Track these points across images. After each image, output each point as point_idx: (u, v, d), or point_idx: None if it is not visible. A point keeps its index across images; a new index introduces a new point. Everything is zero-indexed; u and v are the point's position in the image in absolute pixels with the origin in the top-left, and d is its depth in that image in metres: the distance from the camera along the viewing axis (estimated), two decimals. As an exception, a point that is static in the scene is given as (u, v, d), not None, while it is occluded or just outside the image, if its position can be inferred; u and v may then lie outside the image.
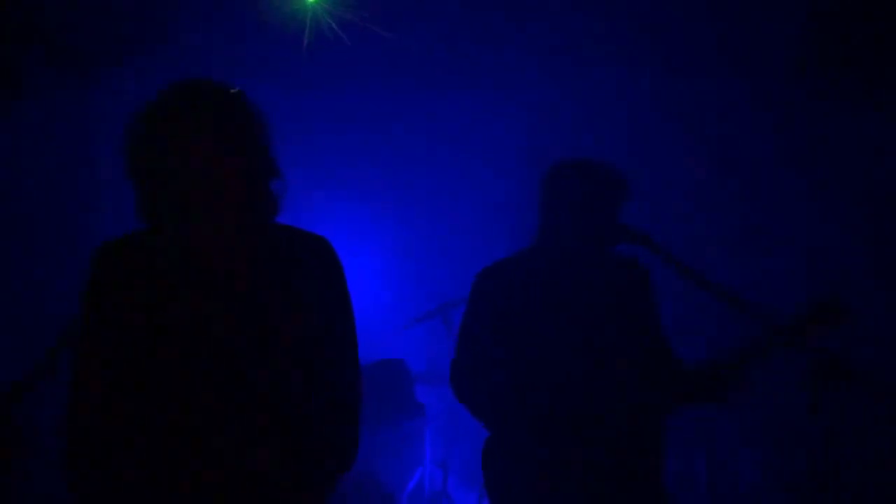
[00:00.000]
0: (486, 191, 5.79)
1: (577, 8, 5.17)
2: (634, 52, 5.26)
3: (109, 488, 1.93)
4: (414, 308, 5.26)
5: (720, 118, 5.24)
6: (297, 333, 2.02)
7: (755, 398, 4.58)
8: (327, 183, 5.65)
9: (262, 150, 2.03)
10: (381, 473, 5.05)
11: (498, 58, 5.49)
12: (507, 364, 3.03)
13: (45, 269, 4.70)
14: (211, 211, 1.97)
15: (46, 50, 4.70)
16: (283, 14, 5.14)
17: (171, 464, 1.94)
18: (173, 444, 1.94)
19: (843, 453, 4.51)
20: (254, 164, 2.01)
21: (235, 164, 1.97)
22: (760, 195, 5.25)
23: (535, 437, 2.94)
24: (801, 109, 5.06)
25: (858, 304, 4.40)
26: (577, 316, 3.03)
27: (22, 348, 3.64)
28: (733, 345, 3.01)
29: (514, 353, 3.02)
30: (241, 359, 1.97)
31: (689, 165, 5.22)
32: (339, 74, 5.53)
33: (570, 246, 3.09)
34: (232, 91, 2.02)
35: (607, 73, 5.32)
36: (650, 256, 3.08)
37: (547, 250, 3.12)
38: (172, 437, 1.94)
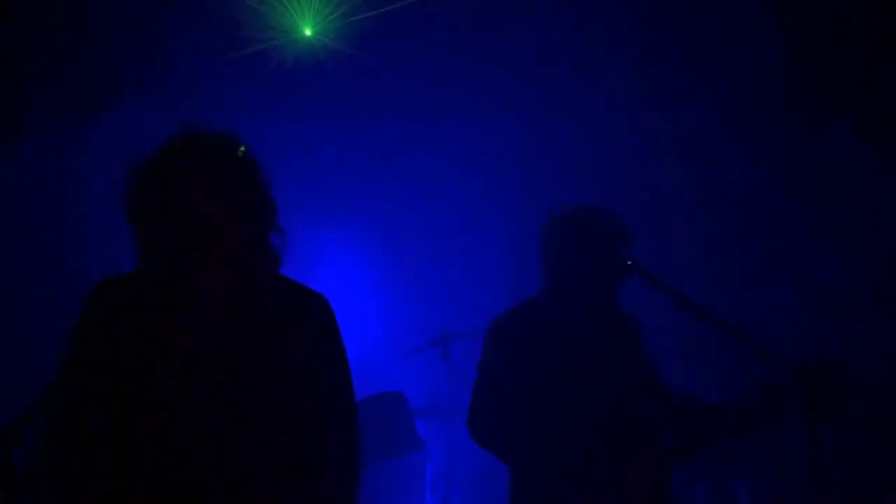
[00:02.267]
0: (487, 219, 5.78)
1: (571, 33, 5.18)
2: (631, 80, 5.27)
3: None
4: (413, 336, 5.24)
5: (717, 146, 5.24)
6: (285, 388, 1.99)
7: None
8: (327, 210, 5.65)
9: (262, 203, 2.04)
10: (381, 510, 4.99)
11: (495, 85, 5.50)
12: (527, 415, 3.04)
13: (39, 306, 4.68)
14: (206, 263, 1.97)
15: (43, 90, 4.71)
16: (282, 48, 5.16)
17: None
18: (159, 495, 1.91)
19: (842, 485, 4.49)
20: (252, 217, 2.01)
21: (234, 217, 1.98)
22: (758, 225, 5.24)
23: (559, 483, 2.96)
24: (797, 137, 5.06)
25: (856, 330, 4.40)
26: (591, 367, 3.05)
27: (20, 385, 3.61)
28: (733, 380, 3.00)
29: (532, 404, 3.04)
30: (226, 413, 1.94)
31: (685, 194, 5.22)
32: (338, 105, 5.55)
33: (576, 297, 3.11)
34: (235, 144, 2.02)
35: (606, 104, 5.33)
36: (649, 290, 3.08)
37: (554, 302, 3.15)
38: (158, 486, 1.91)
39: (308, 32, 5.24)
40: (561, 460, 2.97)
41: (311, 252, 5.47)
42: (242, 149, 2.03)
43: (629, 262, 3.05)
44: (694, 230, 5.24)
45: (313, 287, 2.16)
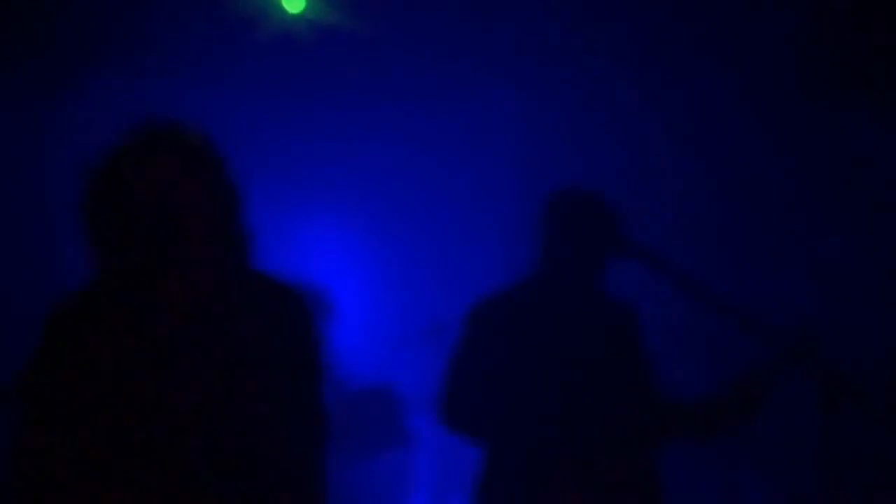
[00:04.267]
0: (482, 202, 5.68)
1: (572, 17, 5.08)
2: (633, 57, 5.14)
3: None
4: (406, 324, 5.14)
5: (719, 126, 5.16)
6: (256, 402, 1.86)
7: (762, 420, 4.51)
8: (315, 196, 5.53)
9: (230, 196, 1.89)
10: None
11: (487, 69, 5.39)
12: (502, 402, 2.95)
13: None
14: (175, 267, 1.83)
15: (8, 63, 4.55)
16: (262, 24, 5.01)
17: None
18: None
19: (855, 477, 4.42)
20: (224, 213, 1.87)
21: (206, 213, 1.83)
22: (759, 206, 5.17)
23: (533, 476, 2.86)
24: (803, 118, 4.99)
25: (861, 316, 4.33)
26: (575, 355, 2.96)
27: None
28: (733, 365, 2.94)
29: (509, 391, 2.94)
30: (196, 435, 1.81)
31: (686, 176, 5.14)
32: (323, 86, 5.42)
33: (568, 282, 3.04)
34: (198, 136, 1.88)
35: (605, 83, 5.22)
36: (648, 273, 2.98)
37: (543, 285, 3.07)
38: None
39: (296, 6, 5.08)
40: (536, 451, 2.87)
41: (298, 238, 5.38)
42: (204, 137, 1.87)
43: (626, 242, 2.96)
44: (699, 214, 5.15)
45: (302, 272, 2.02)
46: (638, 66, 5.14)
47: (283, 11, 5.03)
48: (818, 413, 2.76)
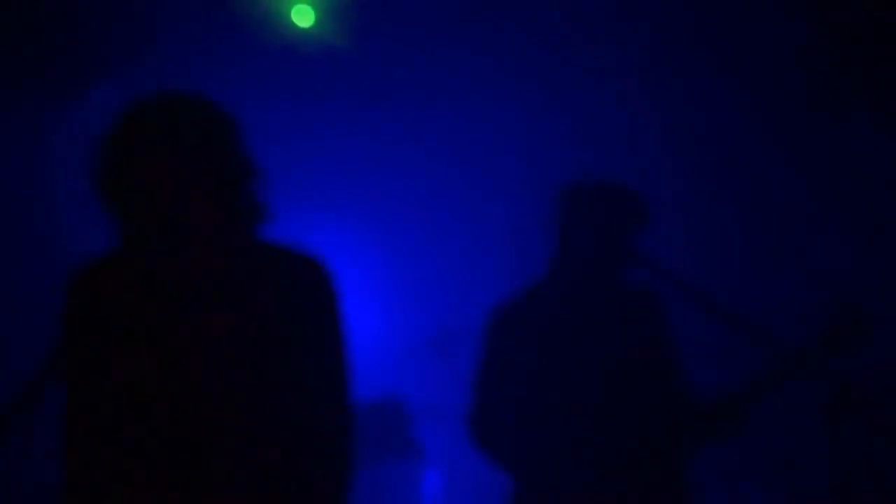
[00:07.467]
0: (487, 207, 5.65)
1: (577, 21, 5.07)
2: (640, 59, 5.13)
3: None
4: (412, 334, 5.10)
5: (723, 131, 5.14)
6: (282, 371, 1.86)
7: (769, 431, 4.48)
8: (318, 200, 5.50)
9: (239, 158, 1.89)
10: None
11: (494, 70, 5.35)
12: (532, 412, 2.88)
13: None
14: (188, 231, 1.82)
15: (12, 68, 4.54)
16: (269, 34, 5.01)
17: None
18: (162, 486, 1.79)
19: (860, 485, 4.38)
20: (232, 174, 1.86)
21: (212, 175, 1.83)
22: (762, 210, 5.15)
23: (567, 484, 2.81)
24: (806, 122, 4.97)
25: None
26: (601, 355, 2.89)
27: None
28: (745, 372, 2.91)
29: (538, 399, 2.88)
30: (218, 400, 1.82)
31: (689, 180, 5.12)
32: (327, 88, 5.39)
33: (587, 278, 2.96)
34: (203, 100, 1.88)
35: (610, 88, 5.21)
36: (657, 281, 2.96)
37: (562, 283, 2.99)
38: (161, 477, 1.80)
39: (306, 20, 5.07)
40: (560, 459, 2.82)
41: (301, 243, 5.28)
42: (209, 101, 1.88)
43: (633, 252, 2.92)
44: (701, 217, 5.14)
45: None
46: (642, 71, 5.12)
47: (292, 25, 5.03)
48: (823, 420, 2.74)
